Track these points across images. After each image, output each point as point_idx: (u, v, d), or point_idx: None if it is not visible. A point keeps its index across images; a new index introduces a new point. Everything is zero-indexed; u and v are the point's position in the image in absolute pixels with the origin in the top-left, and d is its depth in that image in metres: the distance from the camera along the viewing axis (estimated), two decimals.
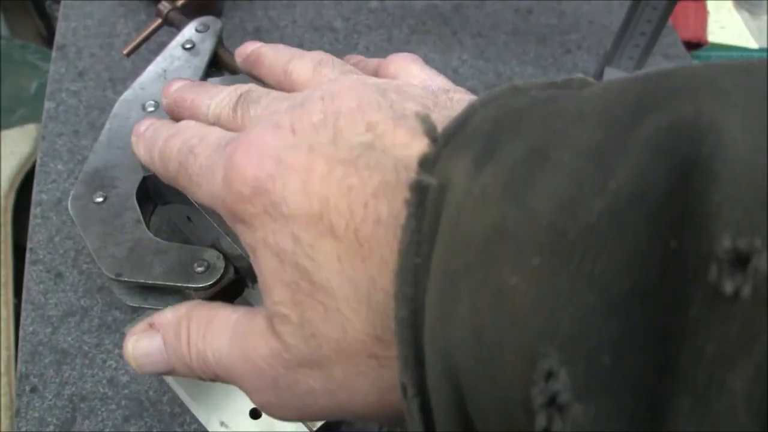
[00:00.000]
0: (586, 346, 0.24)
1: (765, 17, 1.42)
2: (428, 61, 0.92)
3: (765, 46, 1.39)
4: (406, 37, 1.00)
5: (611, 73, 0.88)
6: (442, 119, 0.37)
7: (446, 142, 0.33)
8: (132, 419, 0.67)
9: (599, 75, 0.89)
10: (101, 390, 0.68)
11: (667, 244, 0.24)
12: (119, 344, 0.70)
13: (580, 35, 1.04)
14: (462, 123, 0.33)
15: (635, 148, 0.25)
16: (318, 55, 0.51)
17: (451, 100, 0.42)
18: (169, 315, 0.49)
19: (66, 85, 0.90)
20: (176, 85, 0.56)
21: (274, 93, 0.47)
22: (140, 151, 0.54)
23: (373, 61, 0.53)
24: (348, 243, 0.36)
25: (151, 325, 0.50)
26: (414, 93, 0.42)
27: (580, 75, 0.36)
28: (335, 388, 0.39)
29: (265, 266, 0.40)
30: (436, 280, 0.30)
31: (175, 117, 0.56)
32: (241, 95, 0.48)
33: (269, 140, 0.40)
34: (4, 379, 1.03)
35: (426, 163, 0.33)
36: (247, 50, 0.59)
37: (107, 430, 0.66)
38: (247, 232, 0.41)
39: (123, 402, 0.68)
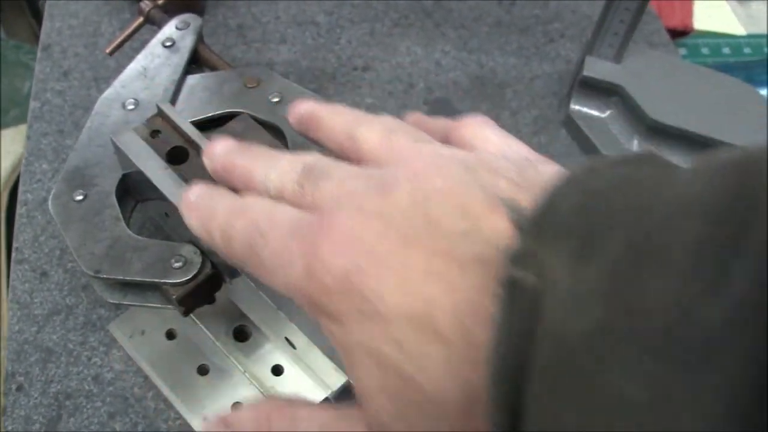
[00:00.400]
0: None
1: (752, 4, 1.43)
2: (411, 54, 0.93)
3: (753, 32, 1.39)
4: (389, 31, 1.00)
5: (592, 62, 0.88)
6: (531, 199, 0.35)
7: (538, 235, 0.30)
8: (117, 416, 0.67)
9: (580, 63, 0.90)
10: (86, 387, 0.69)
11: None
12: (104, 341, 0.71)
13: (563, 25, 1.04)
14: (549, 211, 0.31)
15: (750, 248, 0.24)
16: (386, 121, 0.47)
17: (538, 173, 0.40)
18: (246, 416, 0.45)
19: (51, 84, 0.91)
20: (221, 148, 0.52)
21: (345, 166, 0.44)
22: (193, 223, 0.50)
23: (440, 123, 0.50)
24: (456, 345, 0.34)
25: (226, 423, 0.46)
26: (500, 167, 0.39)
27: (647, 149, 0.35)
28: None
29: (363, 372, 0.37)
30: (538, 384, 0.28)
31: (223, 183, 0.52)
32: (306, 167, 0.44)
33: (356, 228, 0.37)
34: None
35: (519, 258, 0.30)
36: (300, 110, 0.54)
37: (93, 427, 0.67)
38: (336, 330, 0.38)
39: (108, 399, 0.68)
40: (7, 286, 0.99)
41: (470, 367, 0.33)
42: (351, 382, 0.39)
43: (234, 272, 0.56)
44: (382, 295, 0.35)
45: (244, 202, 0.46)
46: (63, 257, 0.76)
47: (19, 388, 0.68)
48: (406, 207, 0.37)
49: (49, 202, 0.63)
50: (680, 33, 1.29)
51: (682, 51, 1.30)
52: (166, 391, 0.67)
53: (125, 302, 0.62)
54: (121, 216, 0.62)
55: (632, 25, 0.84)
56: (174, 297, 0.58)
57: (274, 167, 0.46)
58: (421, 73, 0.96)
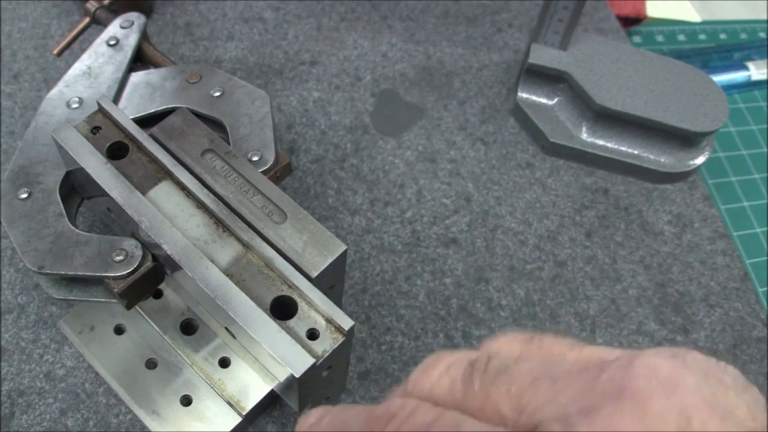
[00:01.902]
0: None
1: None
2: (357, 47, 0.93)
3: (708, 19, 1.40)
4: (335, 25, 1.01)
5: (537, 50, 0.89)
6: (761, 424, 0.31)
7: None
8: (69, 412, 0.68)
9: (527, 52, 0.90)
10: (38, 384, 0.69)
11: None
12: (55, 339, 0.71)
13: (510, 14, 1.05)
14: None
15: None
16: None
17: (753, 393, 0.32)
18: None
19: (1, 87, 0.91)
20: (311, 420, 0.42)
21: (529, 363, 0.35)
22: None
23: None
24: None
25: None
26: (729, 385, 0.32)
27: None
28: None
29: None
30: None
31: None
32: (472, 363, 0.36)
33: None
34: None
35: None
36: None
37: (45, 423, 0.67)
38: None
39: (60, 395, 0.69)
40: None
41: None
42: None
43: (175, 265, 0.57)
44: None
45: (392, 404, 0.36)
46: (14, 257, 0.76)
47: None
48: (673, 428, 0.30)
49: None
50: (633, 20, 1.29)
51: (637, 39, 1.30)
52: (115, 386, 0.67)
53: (71, 297, 0.63)
54: (64, 212, 0.62)
55: (576, 11, 0.85)
56: (116, 290, 0.58)
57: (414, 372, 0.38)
58: (368, 65, 0.97)
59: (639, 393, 0.30)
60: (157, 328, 0.69)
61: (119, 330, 0.70)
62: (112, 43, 0.75)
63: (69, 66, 0.73)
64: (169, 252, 0.56)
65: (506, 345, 0.38)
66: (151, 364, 0.68)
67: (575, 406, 0.31)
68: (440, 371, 0.37)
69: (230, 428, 0.65)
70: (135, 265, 0.58)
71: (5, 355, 0.71)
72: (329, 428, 0.40)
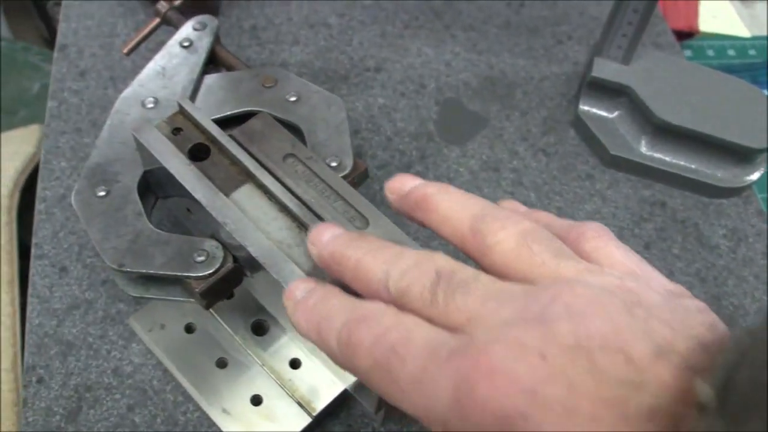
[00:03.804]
0: None
1: (757, 5, 1.44)
2: (421, 55, 0.94)
3: (757, 34, 1.40)
4: (399, 32, 1.01)
5: (600, 64, 0.89)
6: (690, 347, 0.35)
7: (724, 411, 0.30)
8: (136, 408, 0.69)
9: (589, 65, 0.91)
10: (106, 380, 0.70)
11: None
12: (123, 335, 0.72)
13: (570, 26, 1.05)
14: (728, 383, 0.30)
15: None
16: (518, 222, 0.44)
17: (687, 309, 0.39)
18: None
19: (68, 84, 0.92)
20: (329, 234, 0.49)
21: (485, 280, 0.41)
22: (301, 322, 0.47)
23: (557, 225, 0.48)
24: None
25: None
26: (653, 304, 0.38)
27: None
28: None
29: None
30: None
31: (332, 274, 0.49)
32: (438, 273, 0.42)
33: (517, 368, 0.35)
34: (9, 376, 1.04)
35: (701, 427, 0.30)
36: (404, 186, 0.50)
37: (112, 419, 0.68)
38: None
39: (127, 391, 0.69)
40: (20, 281, 1.01)
41: None
42: None
43: (255, 266, 0.58)
44: None
45: (365, 308, 0.44)
46: (82, 253, 0.77)
47: (40, 381, 0.70)
48: (568, 347, 0.35)
49: (72, 198, 0.64)
50: (686, 35, 1.30)
51: (688, 53, 1.31)
52: (185, 383, 0.68)
53: (147, 296, 0.64)
54: (143, 211, 0.63)
55: (640, 26, 0.85)
56: (197, 290, 0.59)
57: (396, 265, 0.44)
58: (432, 74, 0.97)
59: (551, 319, 0.36)
60: (228, 328, 0.70)
61: (189, 328, 0.70)
62: (186, 44, 0.75)
63: (135, 65, 0.74)
64: (254, 254, 0.56)
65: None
66: (221, 364, 0.69)
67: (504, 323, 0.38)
68: (416, 276, 0.42)
69: (300, 428, 0.65)
70: (216, 266, 0.59)
71: (73, 350, 0.71)
72: (314, 314, 0.46)
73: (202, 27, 0.77)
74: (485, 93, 0.96)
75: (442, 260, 0.43)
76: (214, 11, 0.98)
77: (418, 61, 0.98)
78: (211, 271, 0.59)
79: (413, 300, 0.42)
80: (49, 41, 2.26)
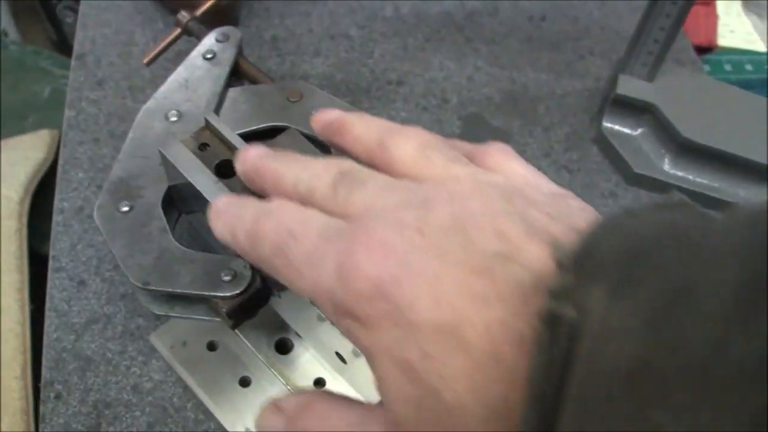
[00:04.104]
0: None
1: None
2: (443, 69, 0.93)
3: None
4: (421, 45, 1.01)
5: (625, 81, 0.89)
6: (566, 232, 0.37)
7: (578, 271, 0.31)
8: (156, 426, 0.68)
9: (613, 82, 0.90)
10: (125, 397, 0.69)
11: None
12: (143, 351, 0.71)
13: (592, 41, 1.05)
14: (591, 250, 0.31)
15: None
16: (419, 134, 0.47)
17: (568, 206, 0.41)
18: (292, 402, 0.46)
19: (85, 93, 0.91)
20: (253, 152, 0.53)
21: (381, 176, 0.44)
22: (219, 227, 0.50)
23: (465, 148, 0.49)
24: (482, 360, 0.34)
25: (278, 407, 0.48)
26: (534, 198, 0.40)
27: (677, 194, 0.35)
28: None
29: (386, 377, 0.37)
30: (571, 411, 0.29)
31: (254, 186, 0.53)
32: (341, 173, 0.45)
33: (394, 239, 0.37)
34: (20, 383, 1.03)
35: (559, 293, 0.30)
36: (327, 117, 0.54)
37: None
38: (362, 333, 0.38)
39: (147, 409, 0.69)
40: (29, 290, 1.00)
41: (495, 384, 0.34)
42: (375, 383, 0.39)
43: (283, 286, 0.57)
44: (413, 305, 0.35)
45: (272, 204, 0.47)
46: (100, 266, 0.76)
47: (58, 396, 0.69)
48: (444, 224, 0.37)
49: (95, 213, 0.63)
50: (704, 50, 1.29)
51: (706, 68, 1.30)
52: (207, 402, 0.67)
53: (172, 314, 0.63)
54: (168, 228, 0.62)
55: (666, 44, 0.85)
56: (224, 310, 0.58)
57: (306, 169, 0.47)
58: (455, 88, 0.97)
59: (433, 203, 0.39)
60: (251, 346, 0.69)
61: (212, 346, 0.69)
62: (209, 56, 0.75)
63: (154, 75, 0.73)
64: None
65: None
66: (244, 382, 0.68)
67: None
68: (321, 175, 0.45)
69: None
70: (244, 286, 0.58)
71: (91, 365, 0.71)
72: (229, 218, 0.49)
73: (225, 38, 0.76)
74: (508, 108, 0.95)
75: (347, 163, 0.46)
76: (234, 22, 0.97)
77: (441, 75, 0.98)
78: (238, 291, 0.58)
79: (318, 198, 0.45)
80: (58, 44, 2.26)
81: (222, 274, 0.58)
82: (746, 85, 1.16)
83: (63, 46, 2.25)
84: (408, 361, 0.36)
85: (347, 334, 0.40)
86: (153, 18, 1.00)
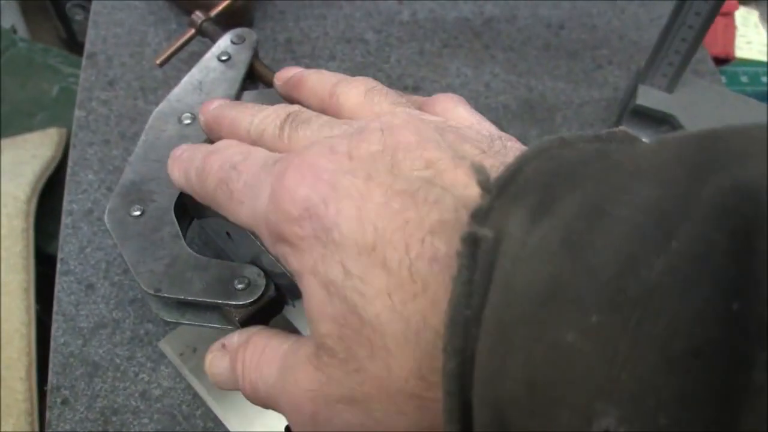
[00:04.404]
0: (644, 404, 0.24)
1: None
2: (460, 75, 0.92)
3: None
4: (438, 51, 1.00)
5: (645, 91, 0.88)
6: (496, 165, 0.38)
7: (500, 193, 0.32)
8: None
9: (632, 92, 0.89)
10: (133, 403, 0.68)
11: (729, 306, 0.23)
12: (151, 357, 0.70)
13: (610, 51, 1.04)
14: (515, 173, 0.32)
15: (696, 207, 0.25)
16: (367, 81, 0.50)
17: (505, 147, 0.42)
18: (235, 339, 0.50)
19: (96, 93, 0.90)
20: (216, 103, 0.56)
21: (325, 117, 0.47)
22: (175, 172, 0.55)
23: (416, 99, 0.52)
24: (400, 278, 0.35)
25: (223, 345, 0.51)
26: (470, 136, 0.42)
27: (621, 128, 0.36)
28: (373, 426, 0.38)
29: (312, 296, 0.39)
30: (488, 332, 0.30)
31: (213, 135, 0.56)
32: (289, 114, 0.48)
33: (324, 163, 0.39)
34: (24, 385, 1.02)
35: (479, 214, 0.32)
36: (288, 73, 0.58)
37: None
38: (292, 255, 0.40)
39: (155, 416, 0.68)
40: (36, 291, 0.99)
41: (413, 303, 0.35)
42: (304, 305, 0.41)
43: (298, 294, 0.56)
44: (338, 224, 0.37)
45: (220, 143, 0.50)
46: (109, 270, 0.75)
47: (65, 402, 0.68)
48: (374, 151, 0.39)
49: (105, 217, 0.62)
50: (721, 61, 1.28)
51: (722, 79, 1.29)
52: (216, 409, 0.66)
53: (183, 321, 0.61)
54: (180, 233, 0.61)
55: (688, 55, 0.84)
56: (237, 319, 0.57)
57: (258, 114, 0.50)
58: (472, 95, 0.96)
59: (365, 132, 0.41)
60: None
61: None
62: (224, 58, 0.73)
63: (166, 76, 0.72)
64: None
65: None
66: None
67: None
68: (271, 117, 0.49)
69: None
70: (258, 294, 0.57)
71: (99, 371, 0.70)
72: (183, 162, 0.53)
73: (241, 40, 0.75)
74: (525, 116, 0.94)
75: (295, 107, 0.49)
76: (248, 23, 0.97)
77: (458, 82, 0.97)
78: (252, 300, 0.57)
79: (266, 138, 0.48)
80: (67, 42, 2.26)
81: (235, 282, 0.57)
82: (762, 97, 1.15)
83: (72, 43, 2.25)
84: (331, 279, 0.37)
85: (281, 260, 0.43)
86: (166, 18, 0.99)
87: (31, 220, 1.22)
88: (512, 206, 0.31)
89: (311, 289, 0.39)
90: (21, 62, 1.57)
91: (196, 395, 0.68)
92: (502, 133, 0.45)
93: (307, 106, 0.52)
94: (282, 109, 0.49)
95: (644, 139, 0.85)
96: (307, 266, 0.39)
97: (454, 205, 0.36)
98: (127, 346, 0.71)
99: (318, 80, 0.53)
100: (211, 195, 0.48)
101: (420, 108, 0.49)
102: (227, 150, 0.48)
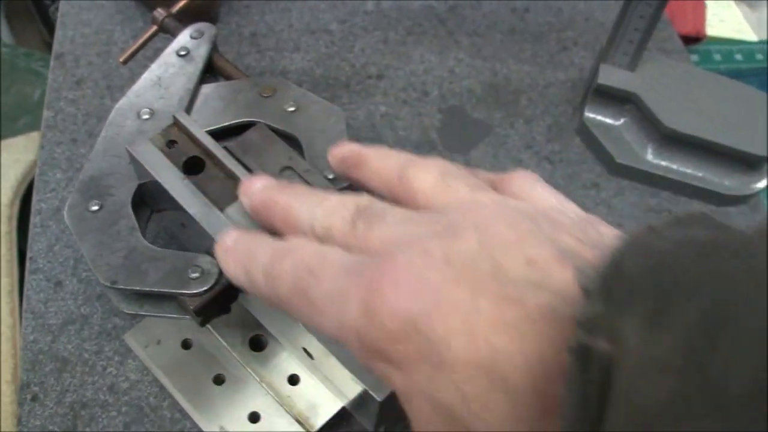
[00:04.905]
0: None
1: (765, 9, 1.42)
2: (424, 62, 0.92)
3: (764, 38, 1.39)
4: (402, 39, 1.00)
5: (606, 70, 0.88)
6: (596, 256, 0.36)
7: (610, 298, 0.30)
8: (133, 426, 0.67)
9: (595, 72, 0.90)
10: (102, 397, 0.69)
11: None
12: (119, 351, 0.71)
13: (576, 32, 1.04)
14: (619, 273, 0.30)
15: None
16: (439, 163, 0.47)
17: (599, 233, 0.40)
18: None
19: (64, 93, 0.91)
20: (260, 184, 0.53)
21: (400, 209, 0.44)
22: (230, 266, 0.51)
23: (488, 177, 0.49)
24: (523, 399, 0.33)
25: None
26: (563, 222, 0.39)
27: (700, 211, 0.35)
28: None
29: (422, 420, 0.37)
30: None
31: (262, 221, 0.53)
32: (359, 208, 0.44)
33: (421, 270, 0.37)
34: (10, 387, 1.03)
35: (589, 323, 0.29)
36: (343, 151, 0.54)
37: None
38: (395, 375, 0.37)
39: (123, 409, 0.68)
40: (20, 295, 1.00)
41: (537, 421, 0.33)
42: (412, 425, 0.38)
43: None
44: (448, 342, 0.34)
45: (289, 242, 0.46)
46: (77, 267, 0.76)
47: (35, 398, 0.68)
48: (473, 253, 0.36)
49: (65, 213, 0.63)
50: (693, 39, 1.28)
51: (695, 57, 1.29)
52: (182, 400, 0.67)
53: (141, 312, 0.62)
54: (137, 226, 0.62)
55: (647, 32, 0.84)
56: (191, 308, 0.58)
57: (321, 206, 0.46)
58: (435, 80, 0.96)
59: (458, 230, 0.38)
60: (225, 344, 0.68)
61: (186, 344, 0.69)
62: (183, 53, 0.74)
63: (133, 74, 0.73)
64: None
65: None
66: (218, 380, 0.67)
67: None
68: (338, 211, 0.45)
69: None
70: (211, 283, 0.58)
71: (68, 366, 0.70)
72: (241, 256, 0.49)
73: (200, 35, 0.76)
74: (489, 100, 0.95)
75: (364, 198, 0.46)
76: (213, 19, 0.97)
77: (421, 68, 0.97)
78: (205, 288, 0.58)
79: (336, 235, 0.44)
80: (51, 45, 2.26)
81: (189, 272, 0.58)
82: (736, 74, 1.15)
83: None
84: (446, 403, 0.35)
85: (378, 374, 0.39)
86: (133, 17, 0.99)
87: (14, 223, 1.23)
88: (625, 314, 0.29)
89: (421, 412, 0.37)
90: (4, 67, 1.58)
91: (162, 387, 0.68)
92: (589, 215, 0.44)
93: (370, 188, 0.50)
94: (349, 201, 0.45)
95: (608, 121, 0.86)
96: (415, 388, 0.36)
97: (567, 311, 0.34)
98: (96, 340, 0.72)
99: (382, 161, 0.50)
100: (285, 302, 0.45)
101: (493, 186, 0.47)
102: (298, 251, 0.44)
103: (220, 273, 0.58)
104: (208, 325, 0.68)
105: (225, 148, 0.63)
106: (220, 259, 0.52)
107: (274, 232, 0.51)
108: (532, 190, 0.46)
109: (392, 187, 0.48)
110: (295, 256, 0.44)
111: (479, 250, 0.36)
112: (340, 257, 0.42)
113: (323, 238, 0.45)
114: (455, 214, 0.40)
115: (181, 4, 0.81)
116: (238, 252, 0.50)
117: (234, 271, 0.50)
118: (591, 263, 0.35)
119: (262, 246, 0.47)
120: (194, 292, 0.57)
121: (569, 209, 0.44)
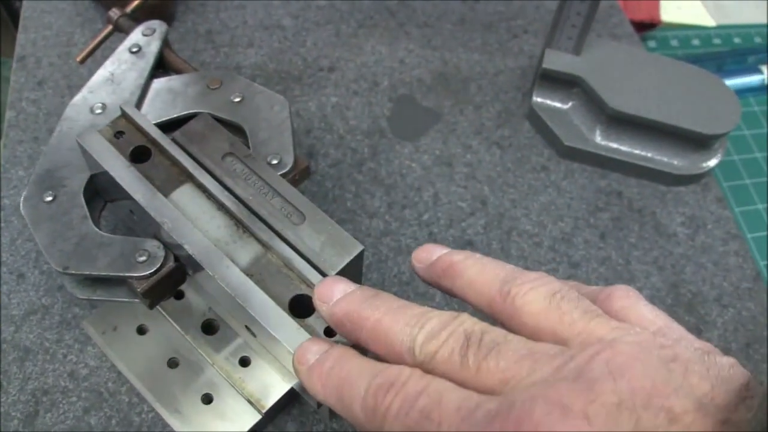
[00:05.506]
0: None
1: None
2: (375, 53, 0.94)
3: (722, 23, 1.40)
4: (353, 32, 1.02)
5: (552, 55, 0.90)
6: (728, 401, 0.36)
7: None
8: (92, 410, 0.69)
9: (542, 57, 0.91)
10: (62, 384, 0.70)
11: None
12: (79, 339, 0.73)
13: (526, 21, 1.06)
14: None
15: None
16: (544, 280, 0.44)
17: (721, 365, 0.39)
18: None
19: (26, 94, 0.92)
20: (341, 291, 0.49)
21: (516, 340, 0.41)
22: (318, 389, 0.47)
23: (588, 291, 0.48)
24: None
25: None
26: (688, 359, 0.38)
27: None
28: None
29: None
30: None
31: (345, 333, 0.48)
32: (467, 336, 0.42)
33: (561, 429, 0.34)
34: None
35: None
36: (431, 255, 0.50)
37: (68, 422, 0.69)
38: None
39: (83, 394, 0.70)
40: None
41: None
42: None
43: (197, 266, 0.58)
44: None
45: (390, 372, 0.42)
46: (39, 259, 0.78)
47: None
48: (612, 408, 0.35)
49: (20, 203, 0.65)
50: (648, 26, 1.30)
51: (652, 44, 1.31)
52: (138, 385, 0.68)
53: (94, 297, 0.64)
54: (88, 214, 0.64)
55: (589, 16, 0.86)
56: (139, 290, 0.60)
57: (418, 326, 0.43)
58: (386, 71, 0.98)
59: (591, 378, 0.36)
60: (179, 328, 0.70)
61: (142, 330, 0.71)
62: (135, 50, 0.76)
63: (92, 73, 0.74)
64: (191, 252, 0.57)
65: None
66: (173, 364, 0.69)
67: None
68: (443, 339, 0.42)
69: (250, 426, 0.66)
70: (157, 266, 0.60)
71: (30, 355, 0.72)
72: (332, 379, 0.45)
73: (151, 32, 0.78)
74: (439, 89, 0.97)
75: (469, 321, 0.42)
76: (169, 17, 0.99)
77: (372, 60, 0.99)
78: (152, 271, 0.60)
79: (441, 363, 0.41)
80: None
81: (136, 256, 0.60)
82: (695, 60, 1.17)
83: None
84: None
85: None
86: (92, 18, 1.01)
87: None
88: None
89: None
90: None
91: (120, 373, 0.70)
92: (699, 342, 0.42)
93: (461, 296, 0.47)
94: (455, 326, 0.43)
95: (556, 105, 0.88)
96: None
97: None
98: (56, 329, 0.73)
99: (479, 273, 0.46)
100: None
101: (594, 302, 0.44)
102: (405, 387, 0.41)
103: (166, 256, 0.60)
104: (163, 311, 0.70)
105: (171, 137, 0.65)
106: (301, 376, 0.48)
107: (356, 343, 0.48)
108: (636, 311, 0.44)
109: (493, 303, 0.45)
110: (401, 392, 0.41)
111: (618, 403, 0.35)
112: (456, 399, 0.39)
113: (426, 365, 0.42)
114: (582, 357, 0.38)
115: (134, 3, 0.83)
116: (325, 373, 0.46)
117: (323, 394, 0.46)
118: (730, 415, 0.35)
119: (356, 370, 0.44)
120: (141, 274, 0.59)
121: (682, 336, 0.43)
